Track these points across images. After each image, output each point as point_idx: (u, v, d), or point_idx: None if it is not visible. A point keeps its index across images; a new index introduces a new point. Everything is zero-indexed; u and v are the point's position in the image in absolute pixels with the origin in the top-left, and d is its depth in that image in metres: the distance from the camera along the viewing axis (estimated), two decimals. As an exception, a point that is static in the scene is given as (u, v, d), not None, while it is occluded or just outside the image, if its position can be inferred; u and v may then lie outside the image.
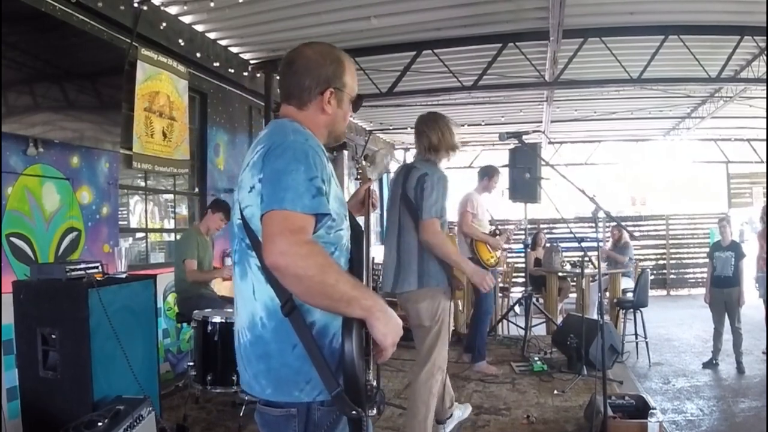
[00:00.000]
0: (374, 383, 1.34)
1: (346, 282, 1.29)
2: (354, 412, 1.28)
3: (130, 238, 5.52)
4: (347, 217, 1.54)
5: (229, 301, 4.57)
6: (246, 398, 3.58)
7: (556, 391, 4.59)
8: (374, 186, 2.32)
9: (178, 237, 5.35)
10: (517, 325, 6.59)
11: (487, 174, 5.54)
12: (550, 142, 11.91)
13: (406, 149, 13.18)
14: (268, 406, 1.43)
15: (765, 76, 6.19)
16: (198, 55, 5.71)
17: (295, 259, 1.24)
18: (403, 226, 3.14)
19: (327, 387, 1.32)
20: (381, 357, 1.39)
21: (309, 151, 1.38)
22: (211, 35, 5.96)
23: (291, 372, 1.38)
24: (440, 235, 3.02)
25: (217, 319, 3.66)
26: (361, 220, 1.81)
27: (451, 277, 3.15)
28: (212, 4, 4.97)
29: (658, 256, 12.37)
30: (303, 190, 1.32)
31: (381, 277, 3.31)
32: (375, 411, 1.35)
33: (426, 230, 3.00)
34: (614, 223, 7.95)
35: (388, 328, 1.31)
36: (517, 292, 8.58)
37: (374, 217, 12.90)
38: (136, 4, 4.67)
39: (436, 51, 6.28)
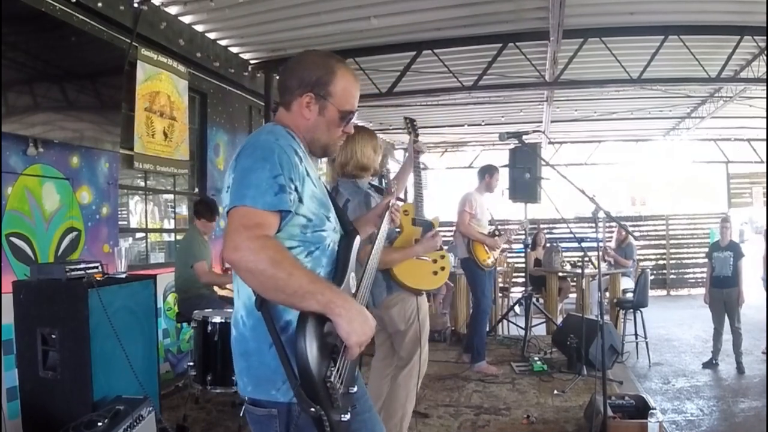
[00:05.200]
0: (335, 381, 1.29)
1: (302, 276, 1.28)
2: (312, 409, 1.26)
3: (130, 238, 5.52)
4: (330, 218, 1.54)
5: (228, 301, 4.57)
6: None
7: (556, 391, 4.59)
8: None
9: (181, 237, 5.35)
10: (517, 325, 6.59)
11: (487, 172, 5.55)
12: (550, 142, 11.91)
13: (406, 149, 13.17)
14: (253, 405, 1.46)
15: (765, 76, 6.18)
16: (198, 55, 5.71)
17: (246, 253, 1.26)
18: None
19: (290, 383, 1.31)
20: (348, 355, 1.35)
21: (276, 149, 1.38)
22: (211, 35, 5.96)
23: (269, 371, 1.40)
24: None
25: (217, 319, 3.65)
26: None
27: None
28: (212, 4, 4.98)
29: (658, 256, 12.36)
30: (266, 187, 1.33)
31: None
32: (347, 416, 1.32)
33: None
34: (615, 223, 7.94)
35: (352, 326, 1.28)
36: (517, 292, 8.58)
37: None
38: (136, 4, 4.67)
39: (436, 51, 6.28)
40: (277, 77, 1.63)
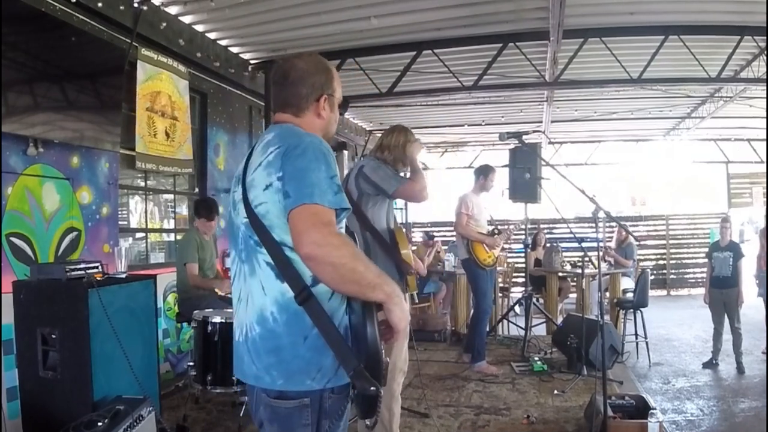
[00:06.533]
0: (388, 360, 1.44)
1: (372, 270, 1.40)
2: (373, 388, 1.35)
3: (130, 238, 5.52)
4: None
5: (228, 301, 4.56)
6: (246, 399, 3.59)
7: (556, 391, 4.59)
8: None
9: (180, 237, 5.35)
10: (517, 325, 6.59)
11: (483, 173, 5.55)
12: (550, 142, 11.91)
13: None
14: (279, 399, 1.48)
15: (765, 76, 6.19)
16: (198, 55, 5.71)
17: (330, 249, 1.34)
18: (353, 226, 3.22)
19: (345, 367, 1.39)
20: (394, 339, 1.48)
21: (324, 150, 1.49)
22: (211, 35, 5.96)
23: (303, 363, 1.45)
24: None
25: (217, 319, 3.66)
26: None
27: (399, 264, 3.12)
28: (212, 4, 4.98)
29: (658, 256, 12.37)
30: (326, 186, 1.42)
31: None
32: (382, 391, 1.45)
33: (415, 191, 3.13)
34: (615, 224, 7.94)
35: (403, 313, 1.43)
36: (517, 292, 8.58)
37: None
38: (136, 4, 4.67)
39: (436, 51, 6.28)
40: (276, 88, 1.67)
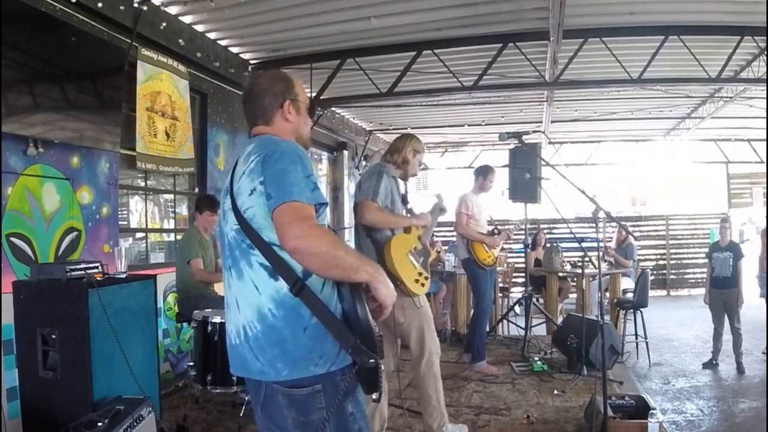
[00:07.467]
0: (380, 334, 1.58)
1: (352, 253, 1.53)
2: (372, 360, 1.47)
3: (130, 238, 5.52)
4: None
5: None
6: (246, 398, 3.59)
7: (556, 391, 4.59)
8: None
9: (180, 237, 5.36)
10: (517, 325, 6.59)
11: (482, 174, 5.56)
12: (550, 142, 11.91)
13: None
14: (294, 388, 1.57)
15: (765, 76, 6.18)
16: (198, 55, 5.71)
17: (311, 240, 1.46)
18: (359, 232, 3.35)
19: (344, 345, 1.50)
20: (382, 316, 1.60)
21: (300, 154, 1.62)
22: (211, 35, 5.96)
23: (305, 351, 1.55)
24: (379, 212, 3.20)
25: (217, 319, 3.66)
26: None
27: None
28: (212, 4, 4.98)
29: (658, 257, 12.36)
30: (303, 185, 1.54)
31: None
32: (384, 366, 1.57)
33: (364, 210, 3.18)
34: (615, 224, 7.93)
35: (388, 290, 1.55)
36: (517, 292, 8.58)
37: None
38: (136, 4, 4.67)
39: (436, 51, 6.28)
40: (245, 106, 1.85)
